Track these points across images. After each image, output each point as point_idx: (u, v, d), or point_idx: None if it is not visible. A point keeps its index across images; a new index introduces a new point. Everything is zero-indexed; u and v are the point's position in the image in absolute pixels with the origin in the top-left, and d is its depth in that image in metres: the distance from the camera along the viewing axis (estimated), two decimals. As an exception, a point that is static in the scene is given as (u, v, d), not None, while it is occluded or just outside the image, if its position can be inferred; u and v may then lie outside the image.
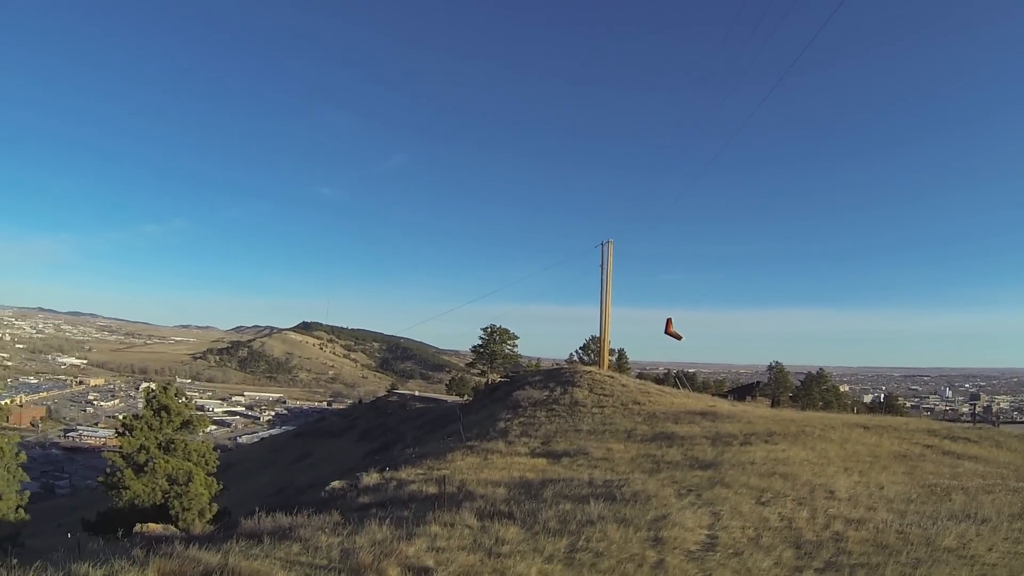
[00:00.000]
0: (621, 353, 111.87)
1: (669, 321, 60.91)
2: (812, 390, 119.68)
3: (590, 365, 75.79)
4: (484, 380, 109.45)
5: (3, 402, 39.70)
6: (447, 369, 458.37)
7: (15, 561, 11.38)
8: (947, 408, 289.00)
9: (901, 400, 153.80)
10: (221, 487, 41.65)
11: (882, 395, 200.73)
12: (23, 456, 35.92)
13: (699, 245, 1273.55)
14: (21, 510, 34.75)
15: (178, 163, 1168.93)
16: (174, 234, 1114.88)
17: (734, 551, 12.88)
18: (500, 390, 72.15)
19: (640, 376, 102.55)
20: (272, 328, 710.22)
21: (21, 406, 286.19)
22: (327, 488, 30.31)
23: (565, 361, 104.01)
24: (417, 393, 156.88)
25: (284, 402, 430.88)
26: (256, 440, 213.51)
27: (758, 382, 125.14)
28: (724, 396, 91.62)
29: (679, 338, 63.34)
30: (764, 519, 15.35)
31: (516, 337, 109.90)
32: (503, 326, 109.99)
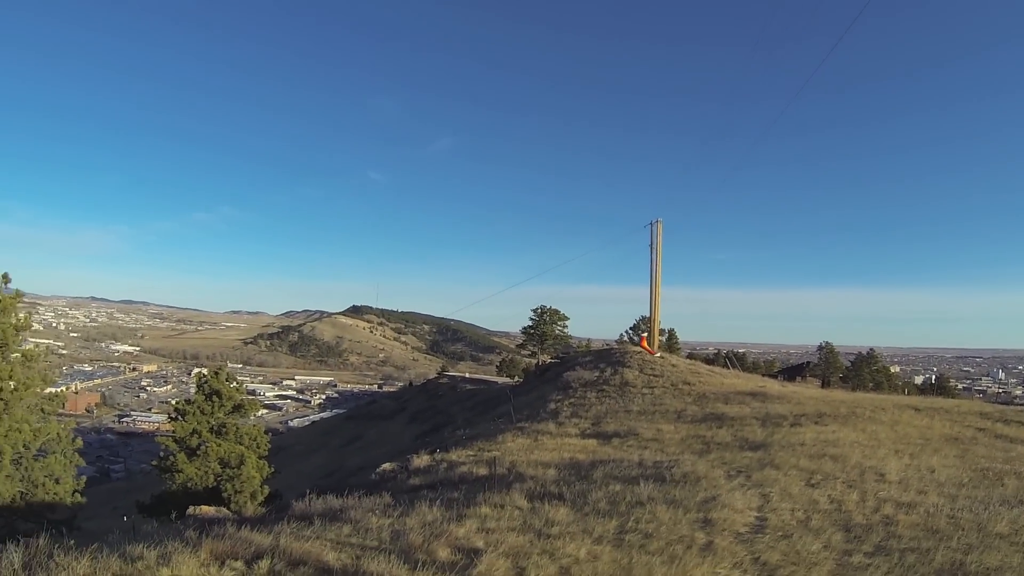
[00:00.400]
0: (671, 333, 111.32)
1: (643, 341, 60.29)
2: (862, 371, 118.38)
3: (639, 345, 75.63)
4: (534, 361, 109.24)
5: (59, 389, 40.00)
6: (497, 351, 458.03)
7: (72, 542, 11.53)
8: (1000, 390, 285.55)
9: (953, 382, 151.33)
10: (272, 470, 41.90)
11: (933, 376, 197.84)
12: (79, 441, 36.27)
13: (750, 221, 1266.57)
14: (77, 494, 35.11)
15: (225, 151, 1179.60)
16: (223, 221, 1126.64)
17: (783, 533, 12.80)
18: (550, 371, 72.11)
19: (690, 356, 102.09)
20: (322, 312, 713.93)
21: (76, 393, 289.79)
22: (378, 470, 30.42)
23: (615, 341, 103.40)
24: (467, 375, 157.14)
25: (335, 385, 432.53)
26: (307, 423, 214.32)
27: (808, 362, 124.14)
28: (774, 376, 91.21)
29: (652, 352, 62.83)
30: (814, 501, 15.22)
31: (566, 318, 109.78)
32: (553, 307, 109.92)
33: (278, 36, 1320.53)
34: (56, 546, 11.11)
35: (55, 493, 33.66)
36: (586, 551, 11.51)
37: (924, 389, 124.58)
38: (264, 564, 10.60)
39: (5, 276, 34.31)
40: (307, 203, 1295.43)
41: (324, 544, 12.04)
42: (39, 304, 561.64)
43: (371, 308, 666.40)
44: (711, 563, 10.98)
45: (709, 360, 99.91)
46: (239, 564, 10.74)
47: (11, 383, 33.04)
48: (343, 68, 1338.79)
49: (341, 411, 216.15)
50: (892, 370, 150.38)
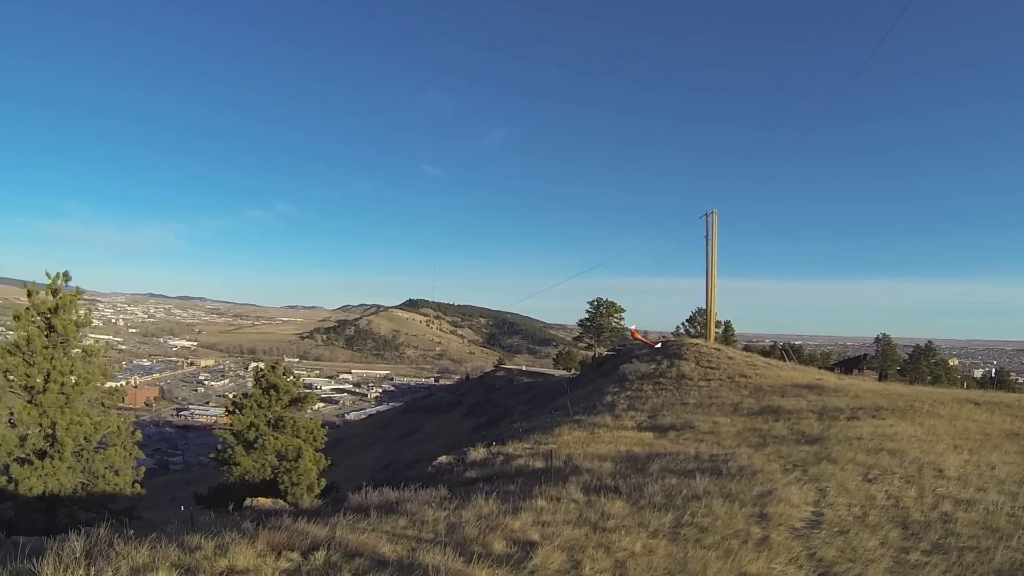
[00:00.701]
0: (727, 325, 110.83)
1: (635, 332, 58.27)
2: (920, 364, 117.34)
3: (696, 337, 75.24)
4: (591, 354, 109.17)
5: (118, 384, 40.58)
6: (554, 343, 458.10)
7: (132, 532, 11.70)
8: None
9: (1013, 375, 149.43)
10: (329, 463, 42.26)
11: (993, 370, 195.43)
12: (138, 434, 36.84)
13: (806, 212, 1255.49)
14: (137, 485, 35.66)
15: (279, 149, 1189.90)
16: (278, 217, 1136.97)
17: (840, 529, 12.70)
18: (607, 363, 71.88)
19: (746, 348, 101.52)
20: (378, 306, 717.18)
21: (135, 387, 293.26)
22: (434, 463, 30.51)
23: (672, 334, 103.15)
24: (524, 368, 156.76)
25: (391, 379, 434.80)
26: (364, 417, 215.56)
27: (865, 355, 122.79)
28: (830, 369, 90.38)
29: (652, 345, 61.78)
30: (871, 497, 15.05)
31: (623, 310, 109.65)
32: (609, 299, 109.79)
33: (330, 34, 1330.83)
34: (116, 535, 11.26)
35: (115, 484, 34.24)
36: (641, 545, 11.51)
37: (984, 383, 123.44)
38: (320, 555, 10.67)
39: (65, 274, 34.93)
40: (362, 198, 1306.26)
41: (380, 536, 12.09)
42: (98, 301, 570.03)
43: (428, 302, 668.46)
44: (767, 558, 10.93)
45: (765, 352, 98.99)
46: (295, 555, 10.83)
47: (72, 378, 33.67)
48: (395, 63, 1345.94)
49: (398, 404, 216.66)
50: (951, 363, 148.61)
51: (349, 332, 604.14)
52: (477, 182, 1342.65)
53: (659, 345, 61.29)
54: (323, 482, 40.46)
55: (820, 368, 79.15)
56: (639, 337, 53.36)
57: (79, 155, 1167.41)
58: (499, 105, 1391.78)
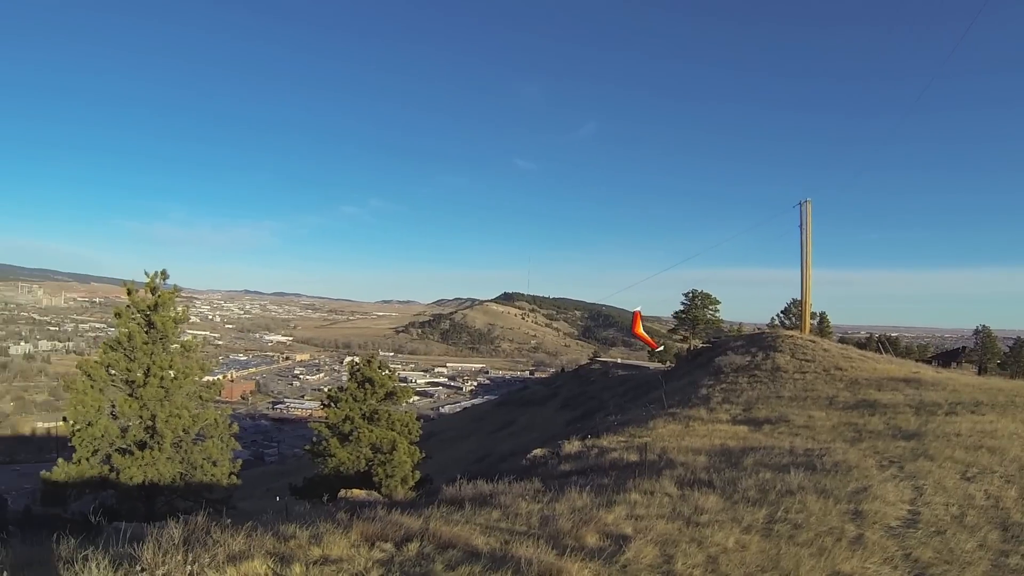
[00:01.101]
0: (823, 317, 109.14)
1: (637, 316, 52.98)
2: (1022, 357, 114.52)
3: (791, 329, 74.34)
4: (686, 346, 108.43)
5: (216, 378, 41.48)
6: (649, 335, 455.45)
7: (228, 521, 11.97)
8: None
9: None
10: (423, 455, 42.58)
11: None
12: (235, 427, 37.50)
13: (902, 200, 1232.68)
14: (233, 476, 36.32)
15: (372, 146, 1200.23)
16: (371, 214, 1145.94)
17: (936, 529, 12.47)
18: (702, 356, 71.38)
19: (842, 340, 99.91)
20: (473, 300, 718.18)
21: (232, 381, 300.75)
22: (528, 456, 30.60)
23: (767, 325, 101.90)
24: (619, 360, 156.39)
25: (486, 372, 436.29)
26: (459, 410, 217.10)
27: (964, 347, 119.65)
28: (928, 362, 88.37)
29: (654, 347, 59.29)
30: (969, 496, 14.70)
31: (717, 302, 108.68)
32: (704, 291, 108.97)
33: (421, 32, 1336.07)
34: (213, 523, 11.55)
35: (212, 475, 34.98)
36: (734, 540, 11.49)
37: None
38: (413, 546, 10.83)
39: (163, 273, 35.75)
40: (456, 193, 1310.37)
41: (473, 528, 12.22)
42: (195, 298, 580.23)
43: (522, 295, 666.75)
44: (861, 557, 10.83)
45: (861, 344, 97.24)
46: (388, 546, 11.00)
47: (171, 372, 34.47)
48: (485, 58, 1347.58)
49: (493, 397, 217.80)
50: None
51: (444, 326, 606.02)
52: (569, 175, 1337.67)
53: (661, 348, 59.59)
54: (417, 474, 40.80)
55: (917, 361, 77.30)
56: (640, 333, 49.99)
57: (175, 158, 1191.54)
58: (590, 97, 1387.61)
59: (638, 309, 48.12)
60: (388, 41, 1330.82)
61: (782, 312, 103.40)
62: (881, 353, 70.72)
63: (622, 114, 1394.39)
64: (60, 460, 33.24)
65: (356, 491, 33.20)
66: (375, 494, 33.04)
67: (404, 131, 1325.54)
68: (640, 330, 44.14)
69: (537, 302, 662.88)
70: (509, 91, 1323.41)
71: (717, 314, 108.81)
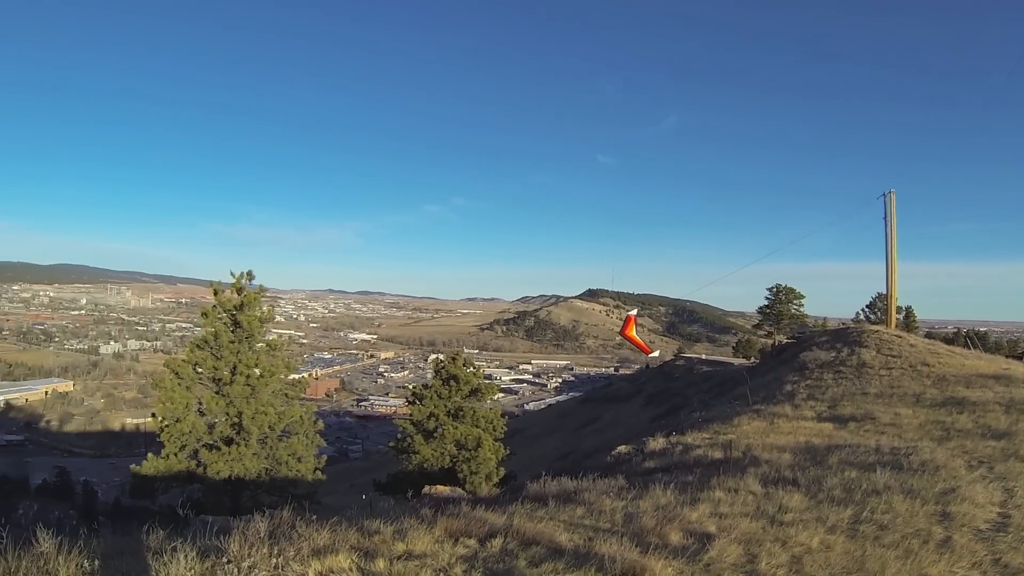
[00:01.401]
0: (908, 311, 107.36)
1: (630, 320, 49.36)
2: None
3: (877, 324, 73.23)
4: (771, 342, 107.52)
5: (301, 376, 42.24)
6: (733, 331, 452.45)
7: (313, 516, 12.15)
8: None
9: None
10: (508, 452, 42.79)
11: None
12: (320, 424, 38.14)
13: (988, 191, 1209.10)
14: (318, 471, 36.94)
15: (452, 145, 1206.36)
16: (455, 212, 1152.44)
17: (1028, 533, 12.14)
18: (786, 351, 70.79)
19: (928, 335, 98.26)
20: (557, 297, 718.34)
21: (317, 379, 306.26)
22: (613, 453, 30.55)
23: (851, 320, 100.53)
24: (703, 356, 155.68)
25: (571, 369, 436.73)
26: (543, 406, 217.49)
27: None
28: (1018, 358, 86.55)
29: (647, 351, 57.14)
30: (1063, 500, 14.29)
31: (802, 296, 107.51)
32: (788, 285, 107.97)
33: (497, 29, 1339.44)
34: (298, 518, 11.71)
35: (297, 470, 35.67)
36: (819, 540, 11.37)
37: None
38: (496, 542, 10.87)
39: (249, 273, 36.52)
40: (539, 190, 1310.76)
41: (557, 525, 12.25)
42: (280, 298, 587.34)
43: (607, 291, 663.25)
44: (948, 561, 10.64)
45: (948, 340, 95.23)
46: (472, 542, 11.07)
47: (257, 370, 35.19)
48: (564, 54, 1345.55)
49: (577, 394, 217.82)
50: None
51: (529, 323, 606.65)
52: (651, 169, 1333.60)
53: (655, 354, 58.21)
54: (502, 471, 41.02)
55: (1007, 357, 75.62)
56: (632, 336, 47.21)
57: (258, 161, 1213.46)
58: (669, 90, 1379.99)
59: (632, 313, 47.51)
60: (469, 41, 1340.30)
61: (867, 306, 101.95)
62: (969, 349, 69.31)
63: (702, 107, 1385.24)
64: (149, 455, 34.28)
65: (440, 487, 33.45)
66: (459, 490, 33.28)
67: (485, 130, 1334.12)
68: (632, 333, 43.66)
69: (621, 298, 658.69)
70: (588, 87, 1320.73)
71: (801, 309, 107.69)
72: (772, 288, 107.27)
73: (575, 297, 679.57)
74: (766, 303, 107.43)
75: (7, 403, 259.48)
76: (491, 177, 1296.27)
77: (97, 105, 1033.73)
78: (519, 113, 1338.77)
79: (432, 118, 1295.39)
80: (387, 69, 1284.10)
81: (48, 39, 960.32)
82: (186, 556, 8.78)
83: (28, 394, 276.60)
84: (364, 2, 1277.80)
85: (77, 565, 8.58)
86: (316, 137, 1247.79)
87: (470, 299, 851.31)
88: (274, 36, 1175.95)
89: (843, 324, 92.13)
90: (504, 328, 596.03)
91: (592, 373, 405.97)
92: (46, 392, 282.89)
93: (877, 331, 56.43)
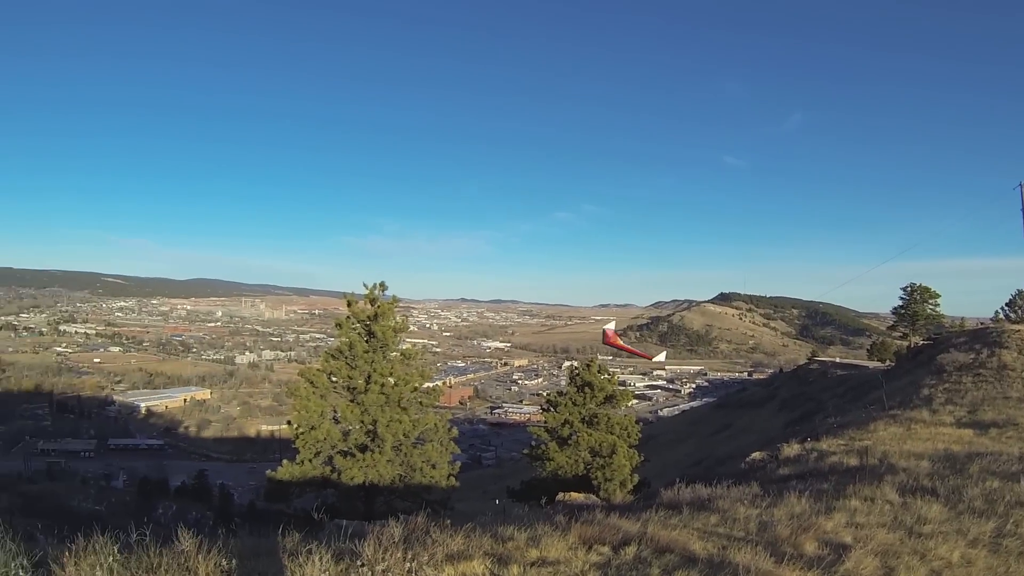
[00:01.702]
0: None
1: (607, 334, 45.75)
2: None
3: (1017, 323, 71.10)
4: (906, 343, 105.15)
5: (435, 384, 42.68)
6: (867, 333, 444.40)
7: (448, 521, 12.33)
8: None
9: None
10: (642, 459, 42.62)
11: None
12: (454, 431, 38.53)
13: None
14: (452, 478, 37.32)
15: (580, 151, 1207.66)
16: (584, 218, 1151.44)
17: None
18: (922, 354, 69.39)
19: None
20: (690, 301, 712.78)
21: (451, 387, 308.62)
22: (747, 459, 30.38)
23: (990, 319, 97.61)
24: (837, 359, 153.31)
25: (704, 374, 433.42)
26: (677, 413, 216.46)
27: None
28: None
29: (647, 357, 53.87)
30: None
31: (938, 295, 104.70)
32: (923, 284, 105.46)
33: (615, 33, 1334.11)
34: (432, 524, 11.94)
35: (431, 477, 36.11)
36: (959, 555, 11.17)
37: None
38: (630, 550, 10.94)
39: (382, 284, 37.19)
40: (667, 193, 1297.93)
41: (691, 533, 12.24)
42: (413, 307, 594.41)
43: (739, 294, 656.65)
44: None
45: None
46: (606, 549, 11.15)
47: (391, 379, 35.82)
48: (686, 56, 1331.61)
49: (711, 400, 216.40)
50: None
51: (662, 328, 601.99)
52: (779, 168, 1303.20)
53: (660, 357, 55.85)
54: (636, 478, 40.85)
55: None
56: (620, 344, 42.74)
57: (389, 175, 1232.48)
58: (793, 88, 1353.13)
59: (608, 328, 46.49)
60: (591, 48, 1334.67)
61: (1006, 305, 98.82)
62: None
63: (828, 104, 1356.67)
64: (284, 461, 35.20)
65: (574, 494, 33.54)
66: (593, 497, 33.25)
67: (612, 135, 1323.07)
68: (618, 342, 42.62)
69: (754, 301, 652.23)
70: (711, 88, 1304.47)
71: (937, 309, 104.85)
72: (906, 288, 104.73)
73: (707, 301, 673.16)
74: (900, 303, 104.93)
75: (148, 410, 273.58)
76: (619, 182, 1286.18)
77: (236, 126, 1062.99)
78: (645, 117, 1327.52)
79: (556, 126, 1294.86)
80: (515, 78, 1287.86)
81: (190, 62, 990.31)
82: (321, 558, 9.06)
83: (168, 402, 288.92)
84: (491, 13, 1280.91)
85: (215, 564, 8.92)
86: (446, 147, 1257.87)
87: (603, 305, 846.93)
88: (400, 52, 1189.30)
89: (981, 324, 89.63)
90: (638, 334, 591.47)
91: (725, 378, 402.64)
92: (185, 400, 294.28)
93: (1018, 331, 54.78)
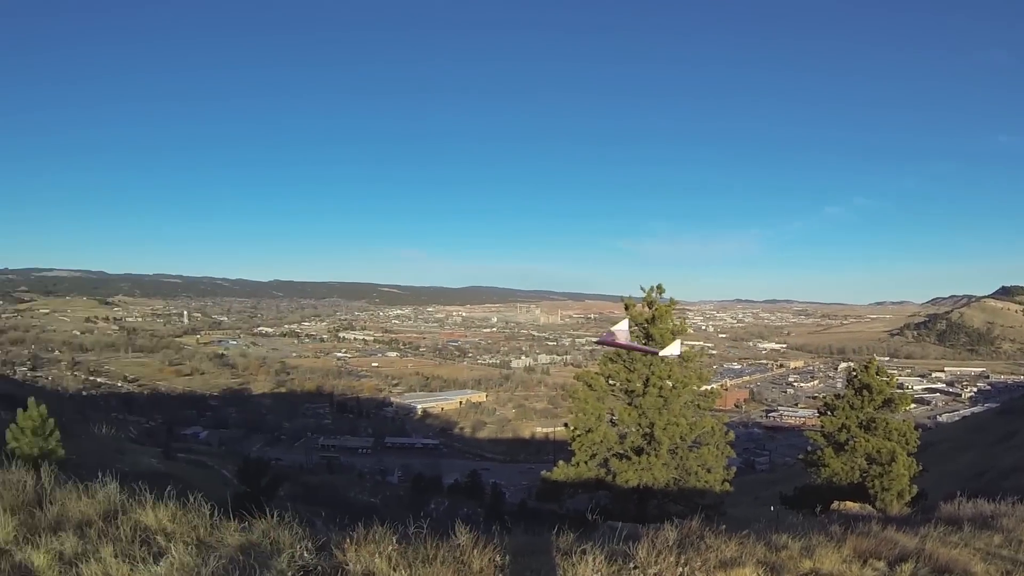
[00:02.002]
0: None
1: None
2: None
3: None
4: None
5: (712, 387, 42.82)
6: None
7: (723, 527, 12.67)
8: None
9: None
10: (920, 468, 41.47)
11: None
12: (730, 435, 38.56)
13: None
14: (726, 483, 37.42)
15: (845, 145, 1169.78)
16: (856, 212, 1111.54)
17: None
18: None
19: None
20: (970, 296, 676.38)
21: (726, 390, 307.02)
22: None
23: None
24: None
25: (986, 376, 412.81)
26: (956, 419, 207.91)
27: None
28: None
29: (655, 352, 48.53)
30: None
31: None
32: None
33: (868, 24, 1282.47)
34: (707, 529, 12.35)
35: (706, 481, 36.50)
36: None
37: None
38: (907, 567, 10.97)
39: (659, 287, 37.86)
40: (940, 181, 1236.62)
41: (972, 553, 12.09)
42: (688, 310, 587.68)
43: (1022, 288, 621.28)
44: None
45: None
46: (881, 564, 11.24)
47: (669, 382, 36.41)
48: (944, 23, 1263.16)
49: (993, 405, 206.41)
50: None
51: (940, 326, 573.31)
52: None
53: (672, 349, 50.96)
54: (914, 489, 39.79)
55: None
56: (618, 342, 39.90)
57: (660, 182, 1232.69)
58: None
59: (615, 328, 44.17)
60: (862, 46, 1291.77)
61: None
62: None
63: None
64: (560, 462, 36.58)
65: (849, 503, 33.25)
66: (868, 508, 32.87)
67: (876, 125, 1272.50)
68: (618, 341, 40.53)
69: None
70: (973, 61, 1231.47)
71: None
72: None
73: (988, 296, 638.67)
74: None
75: (425, 411, 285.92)
76: (890, 172, 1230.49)
77: (514, 148, 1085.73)
78: (904, 100, 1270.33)
79: (807, 126, 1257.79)
80: (772, 80, 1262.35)
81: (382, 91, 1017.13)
82: (594, 558, 9.74)
83: (443, 404, 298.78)
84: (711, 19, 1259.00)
85: (489, 559, 9.80)
86: (704, 153, 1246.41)
87: (879, 303, 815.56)
88: (578, 59, 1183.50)
89: None
90: (915, 333, 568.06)
91: (1009, 381, 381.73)
92: (460, 402, 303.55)
93: None
